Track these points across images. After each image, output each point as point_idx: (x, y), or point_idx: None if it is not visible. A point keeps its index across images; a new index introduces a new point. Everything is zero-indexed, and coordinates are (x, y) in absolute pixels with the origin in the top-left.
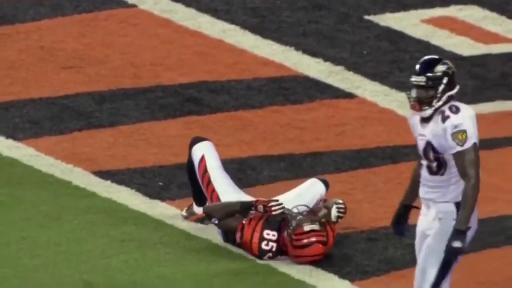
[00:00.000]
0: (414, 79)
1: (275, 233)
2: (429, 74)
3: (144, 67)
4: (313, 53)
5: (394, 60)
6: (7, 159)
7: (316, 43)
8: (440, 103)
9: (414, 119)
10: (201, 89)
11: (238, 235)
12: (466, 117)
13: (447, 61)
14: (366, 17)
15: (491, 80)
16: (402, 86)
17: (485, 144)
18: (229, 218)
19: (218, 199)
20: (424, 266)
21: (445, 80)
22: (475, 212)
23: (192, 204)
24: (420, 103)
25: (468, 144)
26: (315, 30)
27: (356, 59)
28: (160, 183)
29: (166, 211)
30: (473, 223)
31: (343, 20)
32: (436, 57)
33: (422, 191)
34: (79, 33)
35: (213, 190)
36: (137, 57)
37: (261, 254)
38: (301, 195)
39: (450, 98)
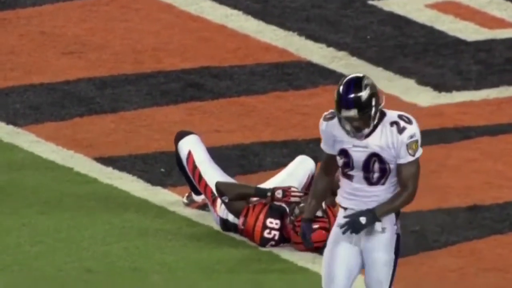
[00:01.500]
0: (345, 114)
1: (278, 221)
2: (359, 106)
3: (146, 53)
4: (316, 38)
5: (398, 45)
6: (7, 145)
7: (319, 28)
8: (376, 120)
9: (336, 129)
10: (203, 75)
11: (241, 220)
12: (417, 127)
13: (365, 78)
14: (370, 2)
15: (495, 65)
16: (406, 71)
17: (489, 130)
18: (239, 200)
19: (211, 193)
20: (381, 279)
21: (373, 102)
22: (398, 221)
23: (191, 192)
24: (357, 130)
25: (418, 154)
26: (318, 15)
27: (360, 44)
28: (162, 170)
29: (168, 198)
30: (390, 228)
31: (346, 5)
32: (357, 76)
33: (351, 203)
34: (80, 18)
35: (206, 185)
36: (139, 43)
37: (263, 242)
38: (293, 174)
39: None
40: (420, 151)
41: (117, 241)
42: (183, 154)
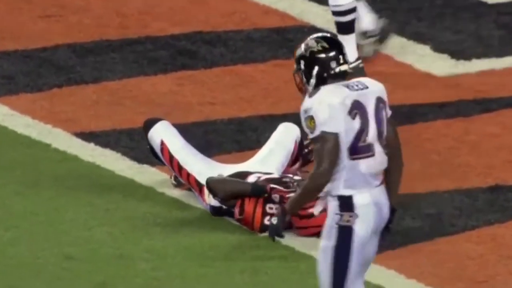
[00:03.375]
0: None
1: (278, 206)
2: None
3: (132, 16)
4: (321, 0)
5: (411, 8)
6: None
7: None
8: (310, 88)
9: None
10: (195, 41)
11: (237, 211)
12: (319, 101)
13: (313, 40)
14: None
15: None
16: (421, 37)
17: None
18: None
19: (196, 182)
20: (319, 267)
21: (302, 64)
22: (347, 213)
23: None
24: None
25: (316, 133)
26: None
27: (369, 6)
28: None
29: (156, 177)
30: (331, 215)
31: None
32: (316, 35)
33: None
34: None
35: (188, 174)
36: (124, 5)
37: (264, 229)
38: (281, 142)
39: (323, 81)
40: (318, 130)
41: (100, 225)
42: (156, 144)
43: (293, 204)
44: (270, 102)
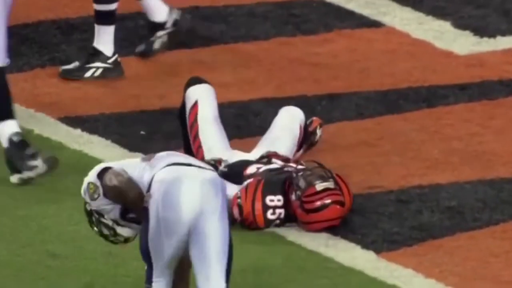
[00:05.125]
0: None
1: (280, 197)
2: None
3: None
4: None
5: None
6: None
7: None
8: None
9: None
10: (192, 17)
11: (235, 211)
12: None
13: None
14: None
15: None
16: (441, 12)
17: None
18: None
19: (203, 158)
20: None
21: None
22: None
23: None
24: None
25: None
26: None
27: None
28: (142, 132)
29: None
30: None
31: None
32: None
33: None
34: None
35: (199, 146)
36: None
37: (268, 224)
38: (285, 127)
39: None
40: None
41: (86, 220)
42: (189, 102)
43: None
44: (275, 84)
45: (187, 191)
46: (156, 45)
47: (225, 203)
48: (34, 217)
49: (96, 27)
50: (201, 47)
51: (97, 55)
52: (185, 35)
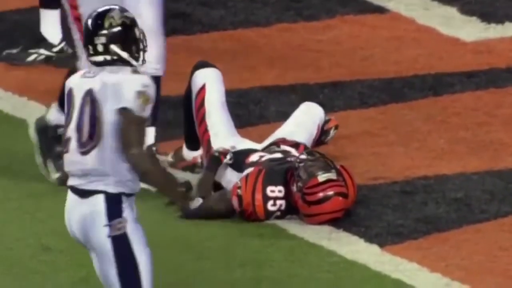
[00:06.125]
0: None
1: (281, 188)
2: None
3: None
4: None
5: None
6: None
7: None
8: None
9: None
10: (190, 2)
11: (235, 202)
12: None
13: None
14: None
15: None
16: None
17: None
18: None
19: (208, 141)
20: None
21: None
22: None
23: (181, 147)
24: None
25: (146, 113)
26: None
27: None
28: None
29: None
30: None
31: None
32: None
33: None
34: None
35: (206, 130)
36: None
37: (269, 216)
38: (302, 124)
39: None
40: (147, 112)
41: None
42: (196, 85)
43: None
44: (276, 71)
45: None
46: (31, 58)
47: None
48: (27, 209)
49: (41, 11)
50: (199, 34)
51: (42, 41)
52: (182, 20)
